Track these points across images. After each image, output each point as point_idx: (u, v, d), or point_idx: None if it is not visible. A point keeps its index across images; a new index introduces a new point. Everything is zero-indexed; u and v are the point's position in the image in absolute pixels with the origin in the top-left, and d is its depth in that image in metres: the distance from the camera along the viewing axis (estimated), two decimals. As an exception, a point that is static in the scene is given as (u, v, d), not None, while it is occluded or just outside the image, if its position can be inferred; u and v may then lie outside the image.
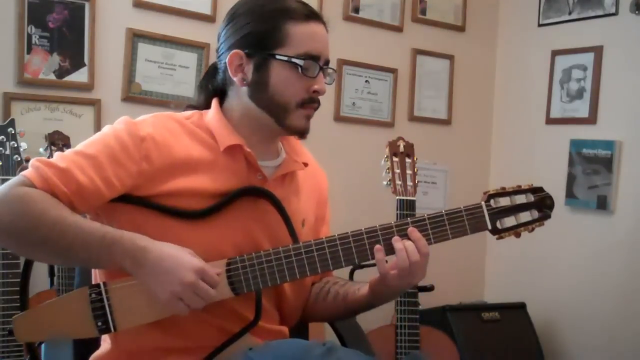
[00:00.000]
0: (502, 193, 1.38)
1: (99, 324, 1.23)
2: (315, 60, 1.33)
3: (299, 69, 1.31)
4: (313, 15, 1.34)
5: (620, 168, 2.89)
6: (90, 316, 1.23)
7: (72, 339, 1.43)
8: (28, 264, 1.33)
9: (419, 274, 1.31)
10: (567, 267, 3.04)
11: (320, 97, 1.38)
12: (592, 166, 2.97)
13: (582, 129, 3.04)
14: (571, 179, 3.04)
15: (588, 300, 2.99)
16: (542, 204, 1.40)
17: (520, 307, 2.98)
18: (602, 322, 2.93)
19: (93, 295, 1.24)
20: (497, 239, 1.38)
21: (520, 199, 1.39)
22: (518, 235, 1.39)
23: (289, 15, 1.32)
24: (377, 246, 1.30)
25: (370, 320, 2.49)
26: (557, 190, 3.05)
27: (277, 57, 1.31)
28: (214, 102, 1.40)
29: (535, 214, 1.40)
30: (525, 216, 1.39)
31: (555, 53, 3.17)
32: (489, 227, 1.36)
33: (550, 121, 3.19)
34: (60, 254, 1.22)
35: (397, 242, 1.30)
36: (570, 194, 3.04)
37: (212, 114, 1.38)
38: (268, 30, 1.32)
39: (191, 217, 1.28)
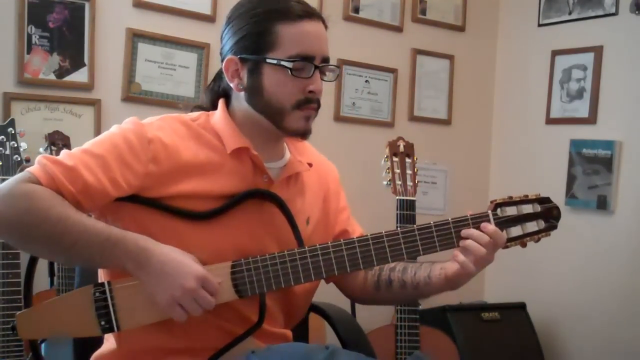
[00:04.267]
0: (509, 202, 1.38)
1: (103, 323, 1.23)
2: (310, 61, 1.31)
3: (289, 71, 1.30)
4: (306, 14, 1.31)
5: (620, 168, 2.89)
6: (94, 315, 1.23)
7: (74, 338, 1.44)
8: (33, 261, 1.33)
9: (490, 258, 1.35)
10: (567, 267, 3.04)
11: (322, 97, 1.36)
12: (592, 166, 2.97)
13: (582, 129, 3.04)
14: (571, 179, 3.04)
15: (588, 300, 2.99)
16: (549, 214, 1.40)
17: (520, 307, 2.97)
18: (602, 322, 2.93)
19: (97, 294, 1.24)
20: (503, 248, 1.37)
21: (527, 208, 1.39)
22: (524, 245, 1.39)
23: (280, 16, 1.30)
24: (465, 231, 1.34)
25: (371, 321, 2.49)
26: (557, 190, 3.06)
27: (268, 60, 1.30)
28: (221, 104, 1.40)
29: (542, 224, 1.40)
30: (531, 226, 1.39)
31: (555, 53, 3.17)
32: None
33: (550, 121, 3.19)
34: (62, 252, 1.22)
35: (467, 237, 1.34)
36: (570, 194, 3.04)
37: (218, 115, 1.38)
38: (259, 33, 1.31)
39: (196, 218, 1.28)
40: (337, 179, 1.57)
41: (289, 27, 1.30)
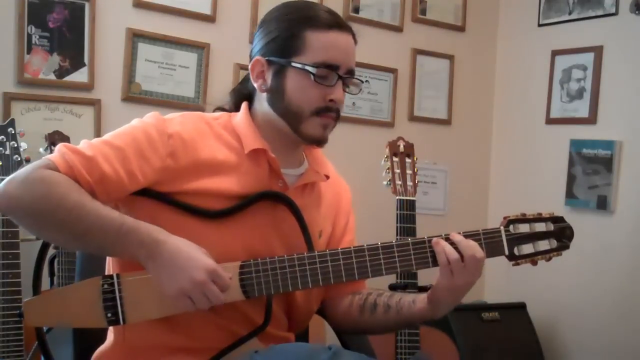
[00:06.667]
0: (522, 219, 1.38)
1: (109, 315, 1.23)
2: (334, 70, 1.33)
3: (312, 76, 1.31)
4: (336, 25, 1.35)
5: (620, 168, 2.89)
6: (101, 307, 1.23)
7: (75, 336, 1.44)
8: (44, 248, 1.33)
9: (474, 272, 1.32)
10: (567, 267, 3.04)
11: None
12: (592, 166, 2.97)
13: (582, 129, 3.04)
14: (571, 179, 3.04)
15: (588, 300, 2.99)
16: (562, 234, 1.40)
17: (520, 307, 2.98)
18: (602, 322, 2.93)
19: (105, 286, 1.24)
20: (513, 265, 1.37)
21: (540, 226, 1.39)
22: (535, 263, 1.38)
23: (311, 23, 1.33)
24: (435, 239, 1.32)
25: (370, 320, 2.49)
26: (557, 190, 3.06)
27: (293, 64, 1.32)
28: (244, 106, 1.41)
29: (554, 243, 1.39)
30: (543, 244, 1.39)
31: (555, 53, 3.17)
32: (506, 252, 1.36)
33: (550, 121, 3.19)
34: (76, 239, 1.23)
35: (437, 245, 1.32)
36: (570, 194, 3.04)
37: (240, 116, 1.40)
38: (288, 37, 1.33)
39: (208, 216, 1.28)
40: (350, 200, 1.58)
41: (318, 35, 1.33)
